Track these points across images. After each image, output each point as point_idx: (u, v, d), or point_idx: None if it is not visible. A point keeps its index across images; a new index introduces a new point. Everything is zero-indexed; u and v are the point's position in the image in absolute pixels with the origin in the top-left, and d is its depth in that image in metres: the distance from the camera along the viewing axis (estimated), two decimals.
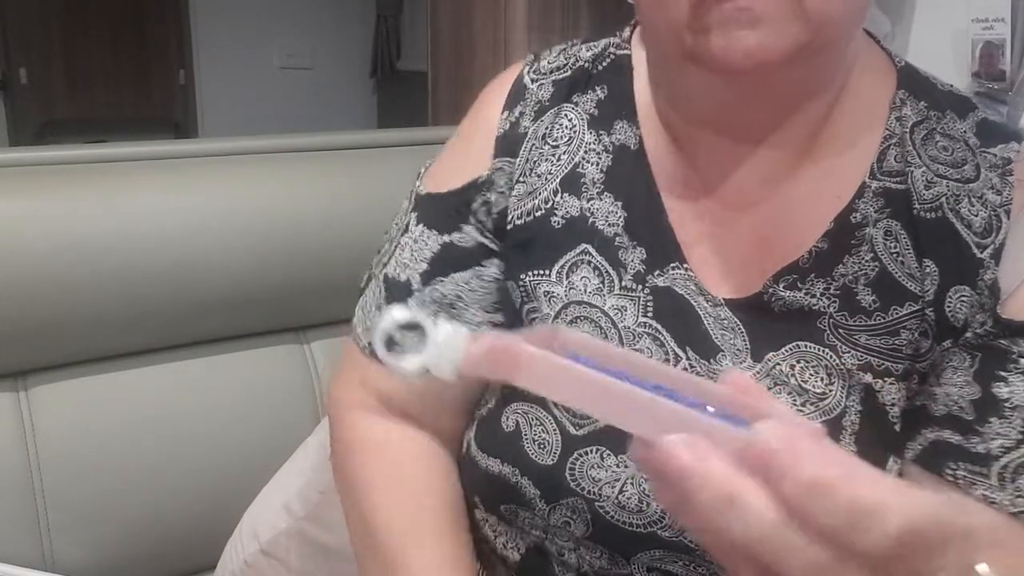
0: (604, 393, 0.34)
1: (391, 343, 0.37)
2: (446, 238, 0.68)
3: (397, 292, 0.69)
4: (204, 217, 1.03)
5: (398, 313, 0.37)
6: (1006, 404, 0.55)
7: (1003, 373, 0.56)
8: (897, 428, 0.59)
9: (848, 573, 0.32)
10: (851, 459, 0.32)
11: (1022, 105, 1.20)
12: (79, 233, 0.96)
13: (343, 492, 0.73)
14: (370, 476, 0.70)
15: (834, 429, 0.58)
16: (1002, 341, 0.57)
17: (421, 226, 0.69)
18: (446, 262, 0.68)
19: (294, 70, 4.35)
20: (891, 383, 0.59)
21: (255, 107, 4.23)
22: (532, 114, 0.67)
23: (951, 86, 0.64)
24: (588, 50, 0.69)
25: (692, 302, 0.62)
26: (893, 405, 0.59)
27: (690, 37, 0.53)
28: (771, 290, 0.60)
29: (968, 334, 0.58)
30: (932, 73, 0.65)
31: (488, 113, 0.69)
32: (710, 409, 0.36)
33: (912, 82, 0.63)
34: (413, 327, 0.37)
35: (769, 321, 0.60)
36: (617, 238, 0.63)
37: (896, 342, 0.58)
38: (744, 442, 0.32)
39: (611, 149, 0.65)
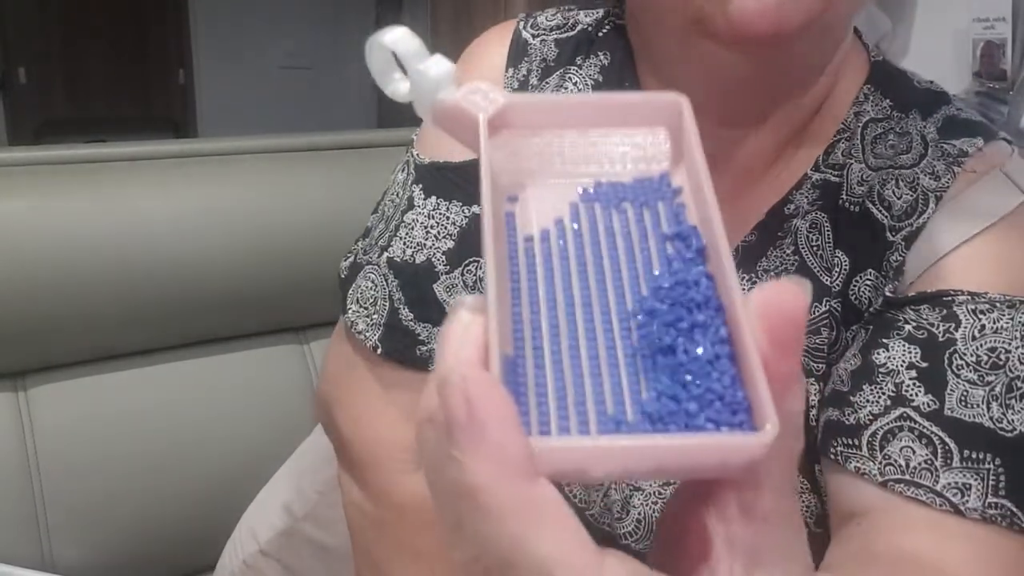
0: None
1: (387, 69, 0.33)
2: (476, 209, 0.62)
3: (417, 277, 0.63)
4: (204, 217, 1.02)
5: (394, 35, 0.33)
6: (880, 369, 0.51)
7: (885, 340, 0.52)
8: (815, 431, 0.55)
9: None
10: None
11: (1022, 105, 1.20)
12: (79, 233, 0.96)
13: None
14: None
15: None
16: (889, 312, 0.53)
17: (434, 198, 0.64)
18: (478, 235, 0.64)
19: (294, 70, 4.35)
20: (811, 383, 0.56)
21: (255, 107, 4.23)
22: (539, 71, 0.63)
23: (930, 83, 0.61)
24: (587, 15, 0.65)
25: None
26: (812, 407, 0.56)
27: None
28: None
29: (865, 315, 0.55)
30: (926, 72, 0.62)
31: (488, 71, 0.64)
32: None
33: (884, 78, 0.60)
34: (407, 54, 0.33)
35: None
36: None
37: (818, 341, 0.56)
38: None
39: None
